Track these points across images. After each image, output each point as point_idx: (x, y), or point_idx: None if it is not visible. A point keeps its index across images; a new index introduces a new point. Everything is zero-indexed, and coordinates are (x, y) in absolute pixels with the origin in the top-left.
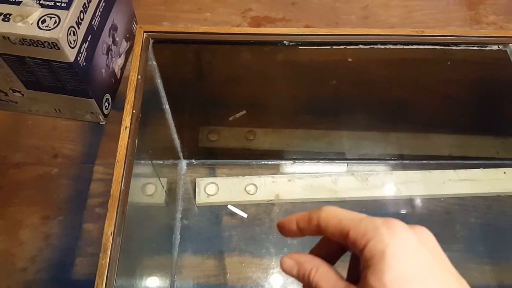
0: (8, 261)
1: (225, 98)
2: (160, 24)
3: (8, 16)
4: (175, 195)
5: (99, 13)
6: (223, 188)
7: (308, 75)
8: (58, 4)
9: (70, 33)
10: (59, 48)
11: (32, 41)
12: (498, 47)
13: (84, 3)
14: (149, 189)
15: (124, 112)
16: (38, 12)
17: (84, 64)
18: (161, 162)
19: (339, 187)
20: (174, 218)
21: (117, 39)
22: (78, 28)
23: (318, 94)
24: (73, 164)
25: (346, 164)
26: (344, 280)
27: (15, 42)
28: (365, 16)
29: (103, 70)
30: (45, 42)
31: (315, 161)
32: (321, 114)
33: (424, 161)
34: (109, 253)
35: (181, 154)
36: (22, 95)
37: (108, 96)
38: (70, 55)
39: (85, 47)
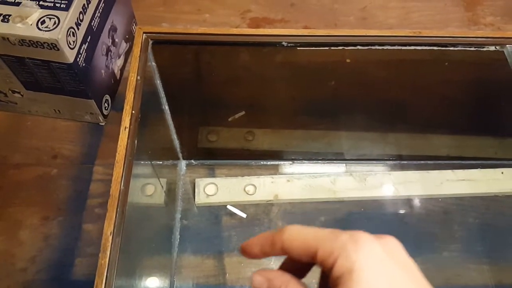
0: (7, 261)
1: (224, 99)
2: (160, 25)
3: (7, 17)
4: (175, 196)
5: (99, 14)
6: (223, 189)
7: (306, 76)
8: (58, 5)
9: (69, 34)
10: (58, 49)
11: (32, 42)
12: (495, 48)
13: (84, 4)
14: (149, 190)
15: (124, 112)
16: (38, 13)
17: (84, 65)
18: (161, 162)
19: (337, 187)
20: (174, 219)
21: (116, 40)
22: (78, 29)
23: (316, 95)
24: (72, 165)
25: (344, 164)
26: None
27: (15, 43)
28: (363, 18)
29: (103, 71)
30: (44, 43)
31: (314, 161)
32: (319, 114)
33: (422, 162)
34: (108, 253)
35: (180, 155)
36: (22, 96)
37: (107, 97)
38: (70, 56)
39: (85, 48)
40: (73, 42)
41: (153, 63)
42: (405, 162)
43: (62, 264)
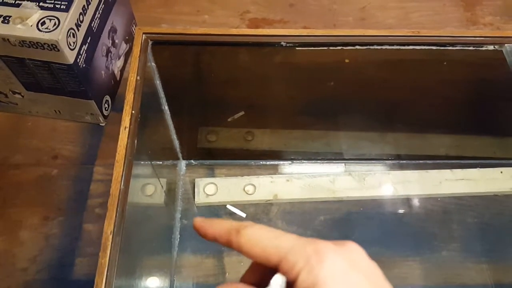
0: (8, 261)
1: (224, 99)
2: (159, 26)
3: (7, 18)
4: (175, 195)
5: (99, 15)
6: (222, 188)
7: (306, 76)
8: (58, 6)
9: (69, 35)
10: (58, 50)
11: (32, 43)
12: (494, 47)
13: (84, 5)
14: (149, 190)
15: (123, 112)
16: (38, 14)
17: (84, 65)
18: (161, 162)
19: (336, 187)
20: (174, 218)
21: (116, 41)
22: (78, 30)
23: (316, 95)
24: (73, 165)
25: (343, 164)
26: None
27: (15, 44)
28: (362, 18)
29: (103, 72)
30: (44, 44)
31: (313, 161)
32: (319, 114)
33: (421, 161)
34: (108, 252)
35: (180, 155)
36: (22, 96)
37: (107, 97)
38: (70, 56)
39: (85, 49)
40: (73, 43)
41: (153, 64)
42: (404, 161)
43: (63, 264)
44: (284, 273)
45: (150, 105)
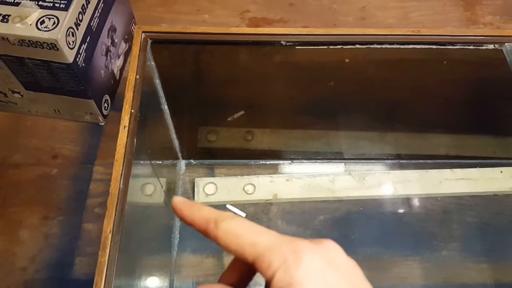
0: (8, 260)
1: (224, 99)
2: (159, 26)
3: (7, 17)
4: (174, 195)
5: (98, 14)
6: (222, 188)
7: (306, 75)
8: (57, 5)
9: (69, 34)
10: (58, 49)
11: (31, 42)
12: (494, 46)
13: (83, 4)
14: (148, 189)
15: (123, 111)
16: (37, 13)
17: (83, 65)
18: (160, 162)
19: (336, 187)
20: (173, 218)
21: (116, 40)
22: (77, 29)
23: (315, 95)
24: (72, 165)
25: (343, 163)
26: None
27: (14, 43)
28: (362, 18)
29: (102, 71)
30: (44, 43)
31: (313, 161)
32: (318, 114)
33: (421, 161)
34: (108, 251)
35: (180, 154)
36: (22, 96)
37: (107, 97)
38: (69, 56)
39: (84, 48)
40: (73, 42)
41: (152, 63)
42: (404, 161)
43: (62, 264)
44: (260, 272)
45: (149, 105)
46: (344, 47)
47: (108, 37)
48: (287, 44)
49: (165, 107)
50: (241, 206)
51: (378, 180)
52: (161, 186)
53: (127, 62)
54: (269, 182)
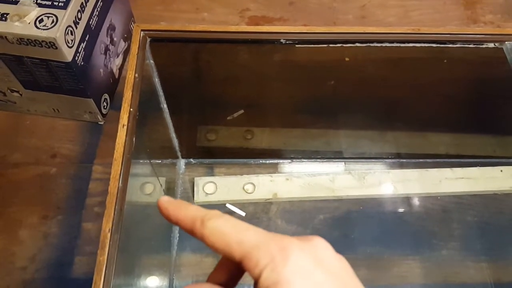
0: (7, 260)
1: (223, 98)
2: (158, 24)
3: (5, 15)
4: (174, 194)
5: (97, 12)
6: (221, 187)
7: (305, 74)
8: (56, 3)
9: (67, 33)
10: (56, 48)
11: (30, 40)
12: (494, 44)
13: (82, 3)
14: (148, 188)
15: (122, 110)
16: (36, 11)
17: (82, 63)
18: (160, 161)
19: (336, 186)
20: None
21: (115, 39)
22: (76, 27)
23: (315, 93)
24: (71, 164)
25: (343, 163)
26: None
27: (13, 41)
28: (362, 16)
29: (101, 70)
30: (42, 41)
31: (313, 160)
32: (318, 113)
33: (421, 160)
34: (107, 250)
35: (179, 153)
36: (20, 95)
37: (106, 96)
38: (68, 54)
39: (83, 46)
40: (71, 40)
41: (151, 61)
42: (404, 160)
43: (62, 263)
44: (247, 270)
45: (148, 103)
46: (344, 45)
47: (107, 36)
48: (287, 42)
49: (164, 106)
50: (241, 205)
51: (378, 179)
52: (161, 185)
53: (126, 60)
54: (269, 181)
